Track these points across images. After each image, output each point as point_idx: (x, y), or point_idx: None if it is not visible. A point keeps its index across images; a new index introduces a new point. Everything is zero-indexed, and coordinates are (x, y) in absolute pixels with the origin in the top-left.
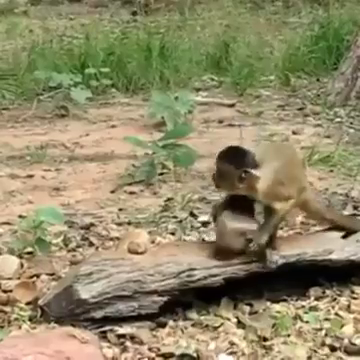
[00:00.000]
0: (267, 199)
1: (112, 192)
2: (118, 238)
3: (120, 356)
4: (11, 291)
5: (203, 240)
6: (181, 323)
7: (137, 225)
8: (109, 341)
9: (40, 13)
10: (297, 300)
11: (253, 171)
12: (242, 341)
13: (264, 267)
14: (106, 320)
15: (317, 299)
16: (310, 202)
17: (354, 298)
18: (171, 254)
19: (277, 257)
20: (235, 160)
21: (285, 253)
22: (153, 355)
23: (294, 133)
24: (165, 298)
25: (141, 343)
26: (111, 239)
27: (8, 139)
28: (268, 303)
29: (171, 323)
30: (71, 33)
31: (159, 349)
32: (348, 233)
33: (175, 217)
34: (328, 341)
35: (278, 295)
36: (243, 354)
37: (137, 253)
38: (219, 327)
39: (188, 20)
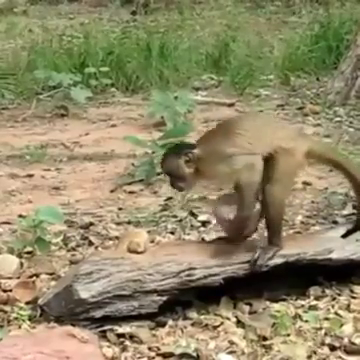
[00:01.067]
0: (220, 177)
1: (112, 191)
2: (118, 237)
3: (120, 355)
4: (11, 290)
5: (203, 239)
6: (181, 322)
7: (137, 224)
8: (109, 340)
9: (39, 12)
10: (297, 299)
11: (193, 151)
12: (242, 340)
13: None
14: (106, 319)
15: (317, 298)
16: (312, 150)
17: (354, 297)
18: (171, 253)
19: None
20: (173, 153)
21: (285, 252)
22: (153, 354)
23: None
24: (165, 297)
25: (141, 342)
26: (111, 238)
27: (8, 139)
28: (268, 302)
29: (171, 322)
30: (71, 32)
31: (159, 348)
32: (348, 232)
33: (175, 216)
34: (328, 340)
35: (278, 294)
36: (243, 353)
37: (137, 252)
38: (219, 326)
39: (187, 20)
